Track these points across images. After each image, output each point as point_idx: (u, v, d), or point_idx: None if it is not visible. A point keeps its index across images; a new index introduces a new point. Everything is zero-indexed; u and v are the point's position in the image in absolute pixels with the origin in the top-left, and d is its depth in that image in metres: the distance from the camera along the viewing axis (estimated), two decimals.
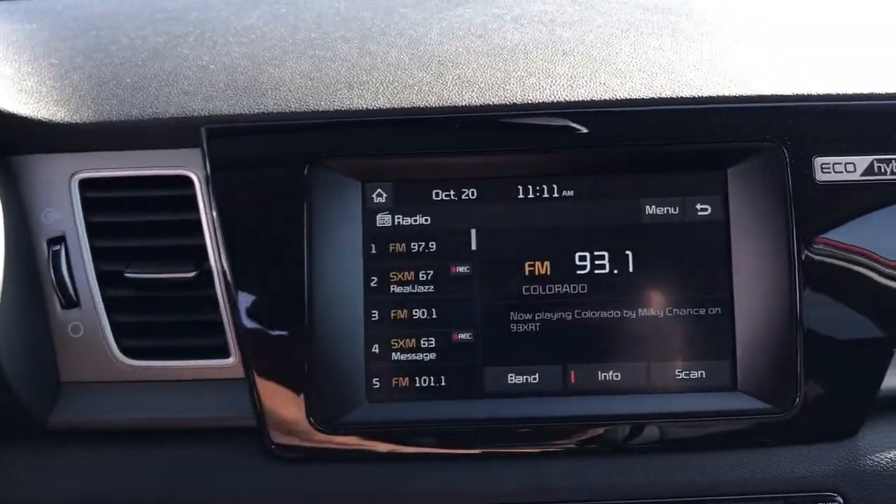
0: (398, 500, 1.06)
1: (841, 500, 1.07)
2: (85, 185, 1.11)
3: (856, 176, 1.08)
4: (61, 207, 1.10)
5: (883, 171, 1.08)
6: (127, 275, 1.08)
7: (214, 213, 1.07)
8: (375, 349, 1.09)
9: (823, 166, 1.08)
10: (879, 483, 1.07)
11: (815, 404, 1.07)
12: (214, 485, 1.07)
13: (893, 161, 1.09)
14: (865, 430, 1.09)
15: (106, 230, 1.11)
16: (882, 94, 1.11)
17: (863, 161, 1.08)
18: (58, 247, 1.09)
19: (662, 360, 1.08)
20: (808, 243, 1.07)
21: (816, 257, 1.07)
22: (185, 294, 1.09)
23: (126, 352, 1.10)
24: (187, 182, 1.09)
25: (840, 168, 1.08)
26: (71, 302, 1.09)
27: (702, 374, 1.08)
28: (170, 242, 1.10)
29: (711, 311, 1.08)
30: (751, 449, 1.08)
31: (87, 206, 1.10)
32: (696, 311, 1.08)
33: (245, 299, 1.06)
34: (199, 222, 1.09)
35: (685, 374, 1.09)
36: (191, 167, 1.09)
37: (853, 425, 1.09)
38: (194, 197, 1.09)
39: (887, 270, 1.07)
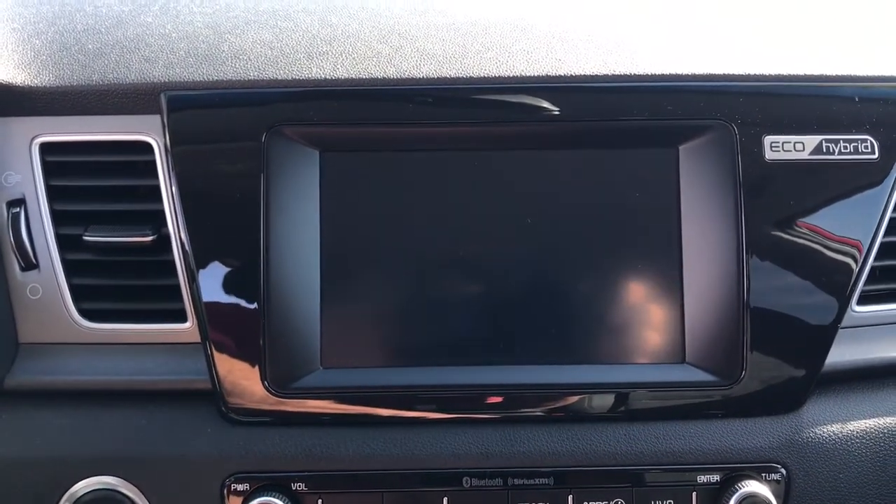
0: (348, 463, 1.07)
1: (783, 472, 1.09)
2: (45, 148, 1.11)
3: (804, 155, 1.11)
4: (21, 170, 1.11)
5: (831, 150, 1.11)
6: (86, 238, 1.09)
7: (173, 179, 1.08)
8: (330, 316, 1.10)
9: (773, 145, 1.10)
10: (821, 455, 1.10)
11: (761, 378, 1.09)
12: (170, 446, 1.08)
13: (841, 142, 1.11)
14: (809, 405, 1.12)
15: (65, 194, 1.12)
16: (832, 77, 1.14)
17: (811, 141, 1.11)
18: (17, 209, 1.10)
19: (611, 332, 1.10)
20: (756, 221, 1.09)
21: (764, 235, 1.09)
22: (143, 258, 1.10)
23: (84, 314, 1.11)
24: (147, 148, 1.10)
25: (789, 147, 1.10)
26: (30, 264, 1.10)
27: (650, 347, 1.10)
28: (128, 207, 1.11)
29: (661, 285, 1.10)
30: (697, 420, 1.10)
31: (48, 169, 1.11)
32: (645, 287, 1.10)
33: (202, 265, 1.07)
34: (157, 188, 1.10)
35: (634, 347, 1.10)
36: (150, 133, 1.10)
37: (797, 399, 1.11)
38: (153, 162, 1.10)
39: (832, 250, 1.10)
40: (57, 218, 1.11)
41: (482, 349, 1.10)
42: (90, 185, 1.12)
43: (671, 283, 1.10)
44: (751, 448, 1.09)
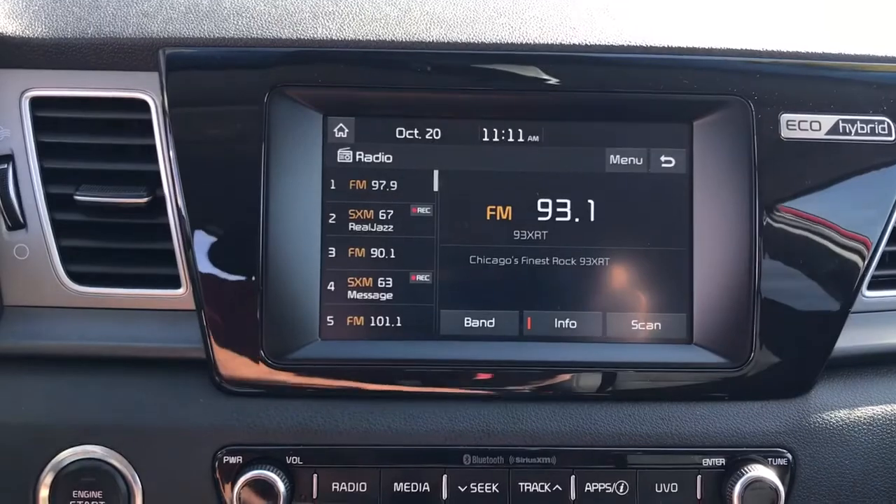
0: (345, 438, 1.04)
1: (790, 456, 1.07)
2: (36, 103, 1.07)
3: (820, 134, 1.08)
4: (10, 125, 1.07)
5: (847, 130, 1.08)
6: (77, 198, 1.05)
7: (170, 139, 1.04)
8: (331, 286, 1.07)
9: (789, 123, 1.07)
10: (828, 441, 1.08)
11: (770, 361, 1.07)
12: (160, 416, 1.04)
13: (858, 122, 1.09)
14: (817, 389, 1.10)
15: (56, 151, 1.07)
16: (851, 56, 1.11)
17: (828, 120, 1.08)
18: (4, 166, 1.06)
19: (619, 310, 1.08)
20: (769, 200, 1.07)
21: (777, 215, 1.07)
22: (136, 221, 1.06)
23: (73, 277, 1.07)
24: (143, 106, 1.06)
25: (805, 126, 1.08)
26: (17, 223, 1.05)
27: (658, 325, 1.08)
28: (123, 167, 1.07)
29: (670, 264, 1.08)
30: (703, 402, 1.08)
31: (38, 125, 1.07)
32: (654, 264, 1.08)
33: (198, 229, 1.04)
34: (153, 147, 1.06)
35: (641, 326, 1.08)
36: (147, 91, 1.06)
37: (805, 384, 1.09)
38: (149, 122, 1.06)
39: (844, 233, 1.07)
40: (47, 176, 1.07)
41: (487, 323, 1.07)
42: (82, 143, 1.07)
43: (680, 261, 1.07)
44: (757, 432, 1.07)
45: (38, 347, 1.06)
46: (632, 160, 1.09)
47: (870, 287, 1.11)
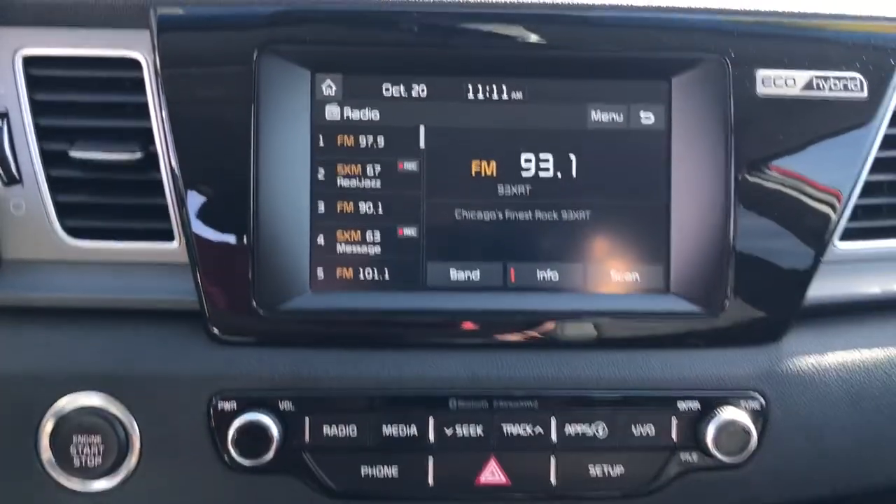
0: (335, 384, 1.08)
1: (762, 400, 1.12)
2: (29, 62, 1.09)
3: (795, 91, 1.12)
4: (4, 84, 1.09)
5: (821, 87, 1.12)
6: (71, 154, 1.07)
7: (161, 98, 1.06)
8: (320, 240, 1.10)
9: (765, 79, 1.11)
10: (799, 385, 1.13)
11: (743, 309, 1.11)
12: (156, 364, 1.08)
13: (832, 79, 1.12)
14: (789, 337, 1.14)
15: (50, 109, 1.09)
16: (826, 14, 1.14)
17: (803, 76, 1.12)
18: (0, 124, 1.08)
19: (599, 262, 1.12)
20: (745, 155, 1.10)
21: (752, 169, 1.11)
22: (129, 177, 1.09)
23: (69, 231, 1.10)
24: (135, 64, 1.08)
25: (780, 82, 1.11)
26: (12, 178, 1.08)
27: (636, 276, 1.12)
28: (115, 124, 1.09)
29: (649, 217, 1.11)
30: (679, 349, 1.12)
31: (32, 83, 1.09)
32: (633, 217, 1.12)
33: (190, 183, 1.07)
34: (145, 105, 1.08)
35: (620, 276, 1.12)
36: (139, 49, 1.08)
37: (778, 331, 1.13)
38: (141, 80, 1.08)
39: (817, 186, 1.11)
40: (41, 133, 1.09)
41: (472, 275, 1.11)
42: (76, 101, 1.10)
43: (659, 215, 1.11)
44: (731, 376, 1.12)
45: (36, 299, 1.10)
46: (612, 116, 1.12)
47: (842, 238, 1.15)
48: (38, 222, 1.09)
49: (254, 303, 1.07)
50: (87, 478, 1.06)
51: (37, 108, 1.09)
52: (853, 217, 1.15)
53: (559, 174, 1.11)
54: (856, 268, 1.18)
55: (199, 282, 1.08)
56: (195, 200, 1.07)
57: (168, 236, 1.10)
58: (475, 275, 1.12)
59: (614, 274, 1.12)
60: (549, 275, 1.12)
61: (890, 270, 1.19)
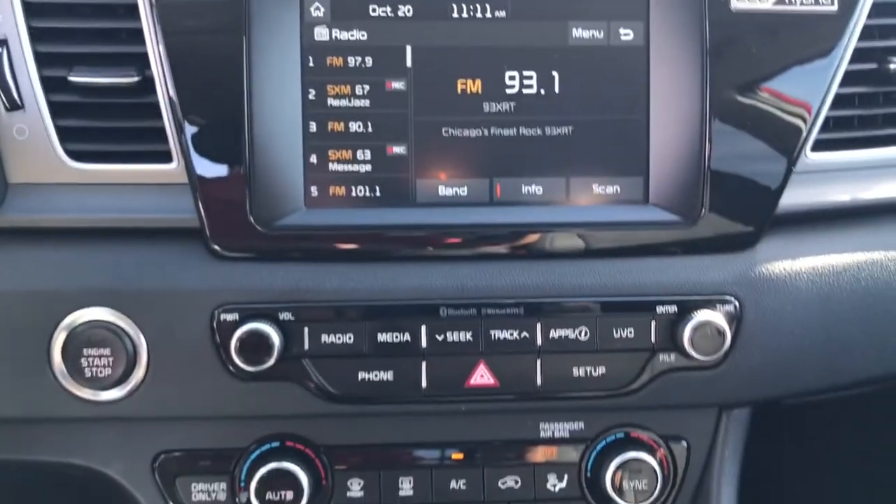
0: (332, 295, 1.14)
1: (736, 303, 1.18)
2: None
3: (768, 5, 1.15)
4: (3, 12, 1.11)
5: (792, 1, 1.16)
6: (70, 79, 1.11)
7: (156, 22, 1.09)
8: (313, 159, 1.14)
9: None
10: (771, 289, 1.19)
11: (718, 218, 1.17)
12: (160, 280, 1.13)
13: None
14: (763, 244, 1.20)
15: (48, 35, 1.12)
16: None
17: None
18: (0, 50, 1.12)
19: (581, 175, 1.17)
20: (720, 69, 1.14)
21: (727, 82, 1.15)
22: (128, 100, 1.13)
23: (71, 155, 1.13)
24: None
25: None
26: (14, 104, 1.11)
27: (617, 188, 1.17)
28: (112, 49, 1.13)
29: (628, 131, 1.16)
30: (658, 257, 1.18)
31: (29, 10, 1.12)
32: (614, 132, 1.16)
33: (186, 106, 1.10)
34: (140, 30, 1.11)
35: (602, 189, 1.17)
36: None
37: (752, 238, 1.19)
38: (136, 5, 1.11)
39: (789, 99, 1.16)
40: (40, 59, 1.12)
41: (460, 191, 1.16)
42: (72, 28, 1.13)
43: (638, 129, 1.16)
44: (706, 282, 1.18)
45: (43, 220, 1.14)
46: (593, 33, 1.16)
47: (813, 149, 1.20)
48: (42, 146, 1.13)
49: (251, 219, 1.12)
50: (97, 388, 1.12)
51: (35, 35, 1.12)
52: (825, 129, 1.20)
53: (542, 91, 1.15)
54: (826, 177, 1.23)
55: (198, 201, 1.12)
56: (192, 122, 1.11)
57: (166, 158, 1.14)
58: (463, 190, 1.17)
59: (596, 187, 1.17)
60: (534, 189, 1.17)
61: (859, 179, 1.24)
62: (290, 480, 1.17)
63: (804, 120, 1.17)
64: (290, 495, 1.17)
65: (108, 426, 1.19)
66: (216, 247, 1.13)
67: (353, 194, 1.15)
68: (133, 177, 1.14)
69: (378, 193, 1.16)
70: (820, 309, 1.21)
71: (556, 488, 1.24)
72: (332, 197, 1.15)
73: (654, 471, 1.21)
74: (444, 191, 1.17)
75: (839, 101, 1.20)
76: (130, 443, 1.20)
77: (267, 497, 1.17)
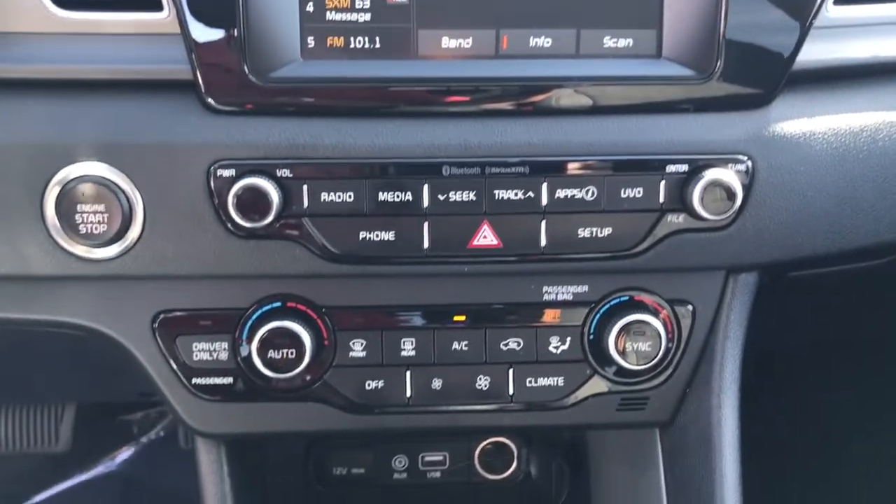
0: (331, 152, 1.10)
1: (749, 163, 1.14)
2: None
3: None
4: None
5: None
6: None
7: None
8: (309, 7, 1.08)
9: None
10: (785, 148, 1.15)
11: (733, 73, 1.11)
12: (154, 134, 1.09)
13: None
14: (778, 101, 1.15)
15: None
16: None
17: None
18: None
19: (592, 26, 1.11)
20: None
21: None
22: None
23: (58, 2, 1.08)
24: None
25: None
26: None
27: (629, 41, 1.12)
28: None
29: None
30: (670, 114, 1.13)
31: None
32: None
33: None
34: None
35: (613, 42, 1.12)
36: None
37: (767, 95, 1.14)
38: None
39: None
40: None
41: (464, 43, 1.10)
42: None
43: None
44: (719, 140, 1.13)
45: (29, 71, 1.09)
46: None
47: (836, 2, 1.15)
48: None
49: (245, 69, 1.07)
50: (92, 245, 1.10)
51: None
52: None
53: None
54: (848, 33, 1.17)
55: (190, 52, 1.07)
56: None
57: (157, 5, 1.08)
58: (467, 42, 1.11)
59: (607, 39, 1.11)
60: (542, 41, 1.11)
61: (882, 35, 1.18)
62: (293, 339, 1.16)
63: None
64: (292, 354, 1.17)
65: (105, 285, 1.17)
66: (210, 100, 1.09)
67: (352, 45, 1.10)
68: (122, 26, 1.09)
69: (378, 45, 1.10)
70: (834, 169, 1.17)
71: (559, 350, 1.24)
72: (329, 48, 1.10)
73: (658, 333, 1.20)
74: (447, 42, 1.11)
75: None
76: (129, 302, 1.19)
77: (269, 356, 1.17)
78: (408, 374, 1.23)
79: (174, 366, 1.21)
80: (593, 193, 1.13)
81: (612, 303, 1.23)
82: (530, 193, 1.12)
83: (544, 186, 1.12)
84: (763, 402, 1.52)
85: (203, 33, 1.06)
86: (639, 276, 1.22)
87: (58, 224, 1.09)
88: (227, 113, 1.10)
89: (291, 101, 1.10)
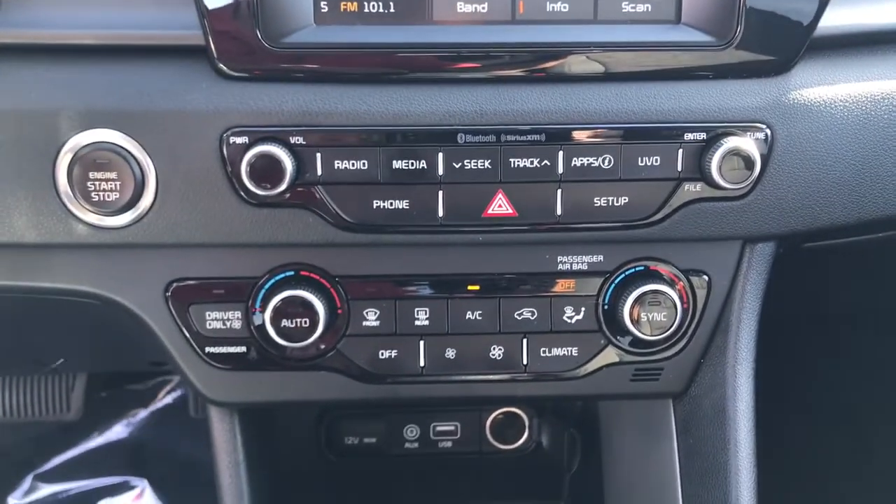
0: (345, 119, 1.09)
1: (768, 131, 1.12)
2: None
3: None
4: None
5: None
6: None
7: None
8: None
9: None
10: (805, 116, 1.13)
11: (753, 39, 1.10)
12: (166, 100, 1.08)
13: None
14: (798, 68, 1.13)
15: None
16: None
17: None
18: None
19: None
20: None
21: None
22: None
23: None
24: None
25: None
26: None
27: (648, 7, 1.10)
28: None
29: None
30: (689, 81, 1.12)
31: None
32: None
33: None
34: None
35: (632, 7, 1.10)
36: None
37: (787, 62, 1.12)
38: None
39: None
40: None
41: (479, 7, 1.08)
42: None
43: None
44: (738, 108, 1.12)
45: (38, 36, 1.08)
46: None
47: None
48: None
49: (258, 35, 1.06)
50: (105, 213, 1.09)
51: None
52: None
53: None
54: None
55: (202, 16, 1.06)
56: None
57: None
58: (483, 7, 1.09)
59: (625, 4, 1.09)
60: (559, 6, 1.09)
61: None
62: (306, 308, 1.16)
63: None
64: (305, 323, 1.16)
65: (118, 253, 1.16)
66: (223, 66, 1.07)
67: (366, 10, 1.08)
68: None
69: (392, 10, 1.08)
70: (854, 138, 1.15)
71: (573, 320, 1.23)
72: (343, 13, 1.08)
73: (674, 303, 1.19)
74: (462, 7, 1.09)
75: None
76: (142, 270, 1.18)
77: (283, 325, 1.16)
78: (421, 343, 1.23)
79: (187, 334, 1.21)
80: (610, 162, 1.11)
81: (627, 273, 1.22)
82: (546, 161, 1.11)
83: (560, 154, 1.11)
84: (779, 374, 1.52)
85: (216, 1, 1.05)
86: (654, 246, 1.21)
87: (70, 192, 1.08)
88: (240, 79, 1.08)
89: (304, 68, 1.08)
